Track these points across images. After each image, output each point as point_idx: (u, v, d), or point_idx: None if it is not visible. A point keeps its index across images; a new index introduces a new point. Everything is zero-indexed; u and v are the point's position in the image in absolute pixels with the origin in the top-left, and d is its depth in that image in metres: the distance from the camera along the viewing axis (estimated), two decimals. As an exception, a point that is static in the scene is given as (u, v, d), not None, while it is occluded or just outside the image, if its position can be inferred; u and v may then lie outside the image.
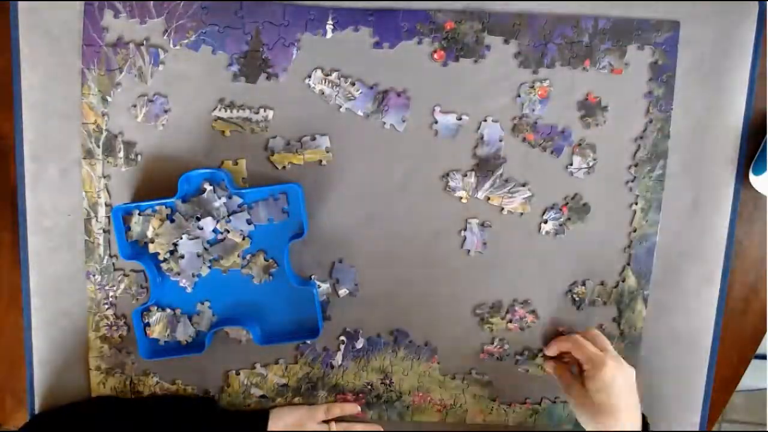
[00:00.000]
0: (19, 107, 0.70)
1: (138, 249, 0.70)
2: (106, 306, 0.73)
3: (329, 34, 0.69)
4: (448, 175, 0.72)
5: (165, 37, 0.69)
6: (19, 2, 0.69)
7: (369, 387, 0.75)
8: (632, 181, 0.72)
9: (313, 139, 0.71)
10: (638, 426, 0.64)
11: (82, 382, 0.74)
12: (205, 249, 0.70)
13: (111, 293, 0.73)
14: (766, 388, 1.21)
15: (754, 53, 0.70)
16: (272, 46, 0.69)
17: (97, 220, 0.72)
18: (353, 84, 0.70)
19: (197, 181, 0.69)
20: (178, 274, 0.70)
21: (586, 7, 0.69)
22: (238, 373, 0.75)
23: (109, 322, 0.73)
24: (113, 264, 0.72)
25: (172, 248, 0.69)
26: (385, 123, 0.71)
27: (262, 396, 0.75)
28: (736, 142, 0.72)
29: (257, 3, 0.69)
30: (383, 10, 0.69)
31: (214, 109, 0.70)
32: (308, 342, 0.74)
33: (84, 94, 0.70)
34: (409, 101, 0.70)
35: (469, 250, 0.73)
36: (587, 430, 0.65)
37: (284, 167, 0.71)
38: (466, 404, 0.76)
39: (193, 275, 0.70)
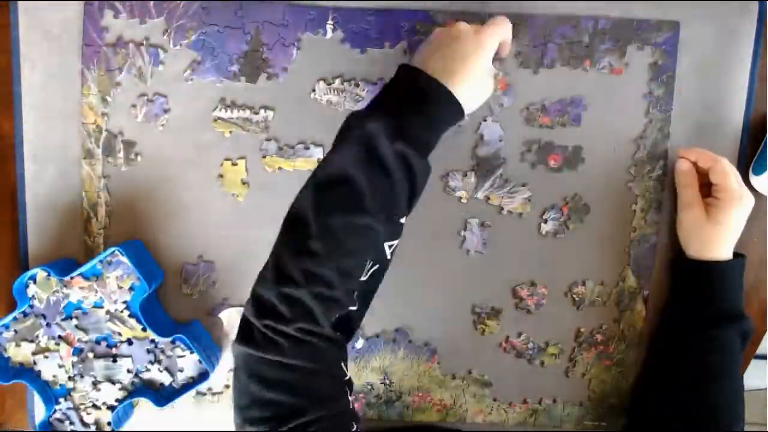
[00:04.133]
0: (19, 107, 0.70)
1: (16, 370, 0.72)
2: (106, 306, 0.73)
3: (329, 34, 0.69)
4: (447, 175, 0.72)
5: (165, 37, 0.69)
6: (19, 2, 0.69)
7: (369, 387, 0.75)
8: (632, 181, 0.72)
9: (307, 148, 0.71)
10: (730, 252, 0.68)
11: (82, 382, 0.75)
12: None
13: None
14: (766, 388, 1.21)
15: (754, 53, 0.70)
16: (272, 46, 0.69)
17: (97, 220, 0.72)
18: (357, 85, 0.70)
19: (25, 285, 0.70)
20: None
21: (586, 7, 0.69)
22: (238, 373, 0.75)
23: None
24: (113, 264, 0.72)
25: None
26: None
27: (262, 396, 0.75)
28: (736, 142, 0.72)
29: (257, 3, 0.69)
30: (383, 10, 0.69)
31: (214, 109, 0.70)
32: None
33: (84, 94, 0.70)
34: None
35: (468, 250, 0.73)
36: (688, 253, 0.68)
37: (274, 171, 0.71)
38: (466, 404, 0.76)
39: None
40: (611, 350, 0.75)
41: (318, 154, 0.71)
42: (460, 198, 0.72)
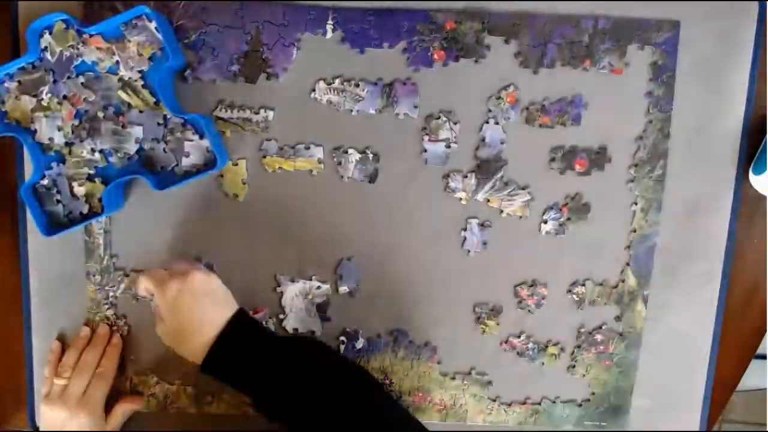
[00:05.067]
0: (19, 107, 0.70)
1: (10, 125, 0.66)
2: (106, 306, 0.73)
3: (329, 34, 0.69)
4: (448, 175, 0.72)
5: (165, 37, 0.69)
6: (19, 2, 0.68)
7: (369, 387, 0.75)
8: (632, 181, 0.72)
9: (308, 148, 0.71)
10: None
11: (82, 382, 0.75)
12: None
13: (111, 293, 0.73)
14: (766, 388, 1.21)
15: (754, 53, 0.70)
16: (272, 46, 0.69)
17: (97, 220, 0.71)
18: (357, 85, 0.70)
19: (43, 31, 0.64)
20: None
21: (586, 7, 0.69)
22: (238, 373, 0.75)
23: (109, 322, 0.73)
24: (113, 264, 0.72)
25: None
26: (398, 114, 0.70)
27: (262, 396, 0.75)
28: (736, 142, 0.72)
29: (257, 3, 0.69)
30: (383, 10, 0.69)
31: (215, 109, 0.70)
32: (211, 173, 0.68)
33: (84, 94, 0.70)
34: (416, 87, 0.70)
35: (469, 250, 0.73)
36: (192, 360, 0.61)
37: (274, 171, 0.71)
38: (466, 404, 0.76)
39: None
40: (611, 350, 0.75)
41: (318, 153, 0.71)
42: (461, 199, 0.72)
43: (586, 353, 0.75)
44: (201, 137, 0.68)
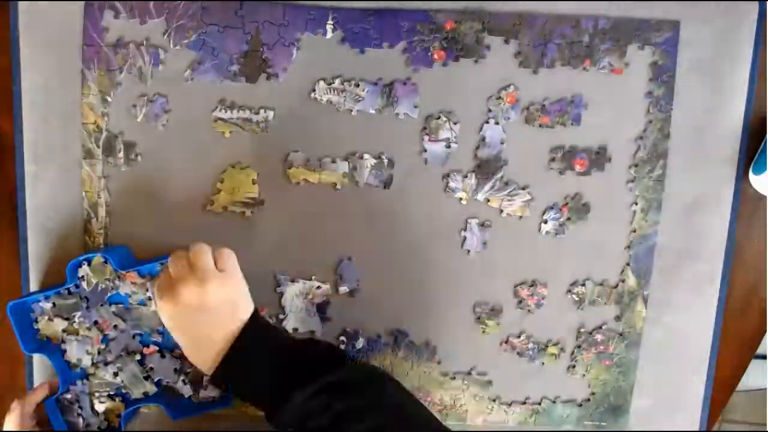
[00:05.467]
0: (19, 107, 0.70)
1: (41, 342, 0.70)
2: (106, 306, 0.73)
3: (329, 34, 0.69)
4: (448, 175, 0.72)
5: (165, 38, 0.69)
6: (19, 2, 0.69)
7: (369, 387, 0.75)
8: (632, 181, 0.72)
9: (333, 161, 0.71)
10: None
11: (82, 382, 0.75)
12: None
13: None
14: (766, 388, 1.21)
15: (754, 53, 0.70)
16: (272, 46, 0.69)
17: (97, 220, 0.71)
18: (357, 85, 0.70)
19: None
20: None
21: (586, 7, 0.69)
22: (238, 373, 0.75)
23: (109, 322, 0.74)
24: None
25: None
26: (398, 114, 0.70)
27: (262, 396, 0.75)
28: (736, 142, 0.72)
29: (257, 3, 0.69)
30: (383, 10, 0.69)
31: (214, 110, 0.70)
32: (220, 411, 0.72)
33: (84, 94, 0.70)
34: (417, 87, 0.70)
35: (469, 250, 0.73)
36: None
37: (298, 183, 0.71)
38: (466, 404, 0.76)
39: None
40: (611, 350, 0.75)
41: (344, 167, 0.71)
42: (461, 199, 0.72)
43: (586, 353, 0.75)
44: None
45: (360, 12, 0.69)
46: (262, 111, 0.70)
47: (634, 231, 0.73)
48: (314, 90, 0.70)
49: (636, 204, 0.73)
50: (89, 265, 0.69)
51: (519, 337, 0.75)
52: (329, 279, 0.73)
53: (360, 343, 0.74)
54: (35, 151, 0.71)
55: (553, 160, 0.71)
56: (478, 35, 0.70)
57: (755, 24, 0.70)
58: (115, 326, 0.70)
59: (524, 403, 0.76)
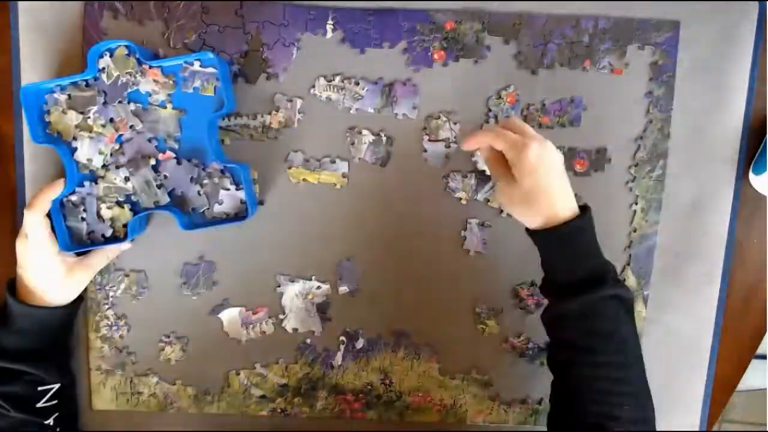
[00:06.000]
0: (19, 107, 0.70)
1: (51, 137, 0.66)
2: (106, 306, 0.73)
3: (329, 34, 0.69)
4: (448, 175, 0.72)
5: (165, 38, 0.69)
6: (19, 2, 0.69)
7: (369, 387, 0.75)
8: (632, 181, 0.72)
9: (333, 162, 0.71)
10: (573, 207, 0.60)
11: (82, 382, 0.75)
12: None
13: (111, 293, 0.73)
14: (766, 388, 1.21)
15: (754, 53, 0.70)
16: (272, 46, 0.69)
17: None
18: (357, 83, 0.70)
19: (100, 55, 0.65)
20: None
21: (586, 7, 0.69)
22: (238, 373, 0.75)
23: (109, 322, 0.73)
24: (113, 264, 0.72)
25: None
26: (397, 114, 0.70)
27: (262, 396, 0.75)
28: (736, 142, 0.72)
29: (257, 3, 0.69)
30: (383, 10, 0.69)
31: (214, 110, 0.70)
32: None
33: (84, 94, 0.70)
34: (417, 87, 0.70)
35: (469, 250, 0.73)
36: (516, 216, 0.62)
37: (298, 182, 0.71)
38: (466, 404, 0.76)
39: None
40: (611, 350, 0.75)
41: (344, 167, 0.71)
42: (460, 199, 0.72)
43: (586, 353, 0.75)
44: (237, 188, 0.68)
45: (360, 12, 0.69)
46: (259, 116, 0.70)
47: (634, 231, 0.73)
48: (314, 87, 0.70)
49: (636, 204, 0.72)
50: (111, 56, 0.64)
51: (519, 337, 0.75)
52: (329, 279, 0.73)
53: (360, 343, 0.74)
54: (35, 151, 0.71)
55: (553, 160, 0.71)
56: (478, 35, 0.70)
57: (755, 24, 0.70)
58: (132, 126, 0.66)
59: (524, 403, 0.76)
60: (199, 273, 0.73)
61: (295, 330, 0.74)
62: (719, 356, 0.75)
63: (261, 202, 0.72)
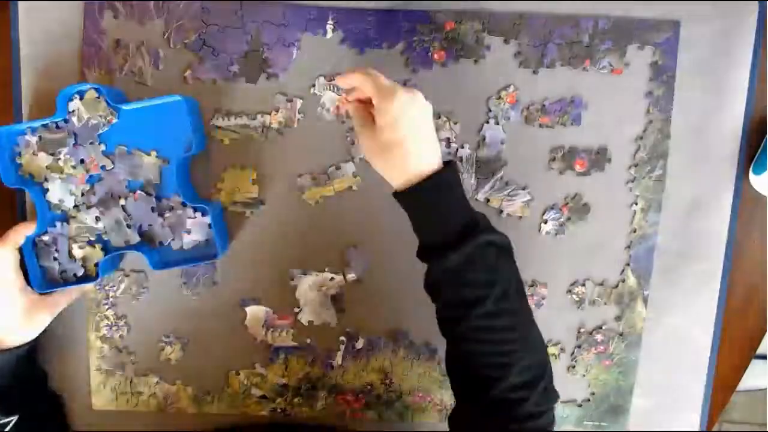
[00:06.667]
0: (18, 107, 0.70)
1: (23, 179, 0.67)
2: (106, 306, 0.73)
3: (329, 34, 0.69)
4: (448, 175, 0.72)
5: (165, 38, 0.69)
6: (19, 2, 0.69)
7: (369, 387, 0.75)
8: (632, 181, 0.72)
9: (338, 168, 0.71)
10: (435, 163, 0.56)
11: (82, 383, 0.75)
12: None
13: (111, 293, 0.73)
14: (766, 388, 1.21)
15: (754, 53, 0.70)
16: (272, 46, 0.69)
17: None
18: (356, 83, 0.70)
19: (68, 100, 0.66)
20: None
21: (586, 7, 0.69)
22: (238, 373, 0.75)
23: (109, 322, 0.73)
24: (113, 264, 0.72)
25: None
26: None
27: (262, 396, 0.75)
28: (736, 142, 0.72)
29: (257, 3, 0.69)
30: (383, 10, 0.69)
31: (212, 119, 0.70)
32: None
33: (84, 94, 0.70)
34: (417, 87, 0.70)
35: (469, 250, 0.73)
36: (379, 171, 0.59)
37: (317, 202, 0.71)
38: (466, 404, 0.76)
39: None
40: (611, 350, 0.75)
41: (351, 168, 0.71)
42: (460, 198, 0.72)
43: (586, 353, 0.75)
44: (203, 214, 0.68)
45: (360, 12, 0.69)
46: (258, 116, 0.70)
47: (634, 231, 0.73)
48: (314, 86, 0.70)
49: (636, 204, 0.72)
50: (81, 99, 0.65)
51: (519, 337, 0.75)
52: (341, 270, 0.73)
53: (360, 343, 0.74)
54: (35, 151, 0.71)
55: (553, 160, 0.71)
56: (478, 35, 0.70)
57: (755, 24, 0.70)
58: (103, 167, 0.66)
59: (524, 403, 0.76)
60: (199, 273, 0.73)
61: (311, 322, 0.74)
62: (719, 356, 0.75)
63: (262, 202, 0.72)
